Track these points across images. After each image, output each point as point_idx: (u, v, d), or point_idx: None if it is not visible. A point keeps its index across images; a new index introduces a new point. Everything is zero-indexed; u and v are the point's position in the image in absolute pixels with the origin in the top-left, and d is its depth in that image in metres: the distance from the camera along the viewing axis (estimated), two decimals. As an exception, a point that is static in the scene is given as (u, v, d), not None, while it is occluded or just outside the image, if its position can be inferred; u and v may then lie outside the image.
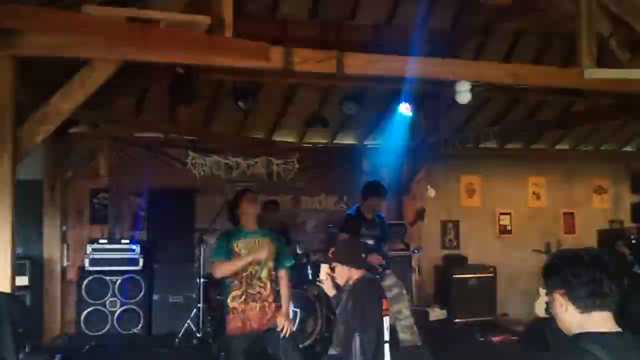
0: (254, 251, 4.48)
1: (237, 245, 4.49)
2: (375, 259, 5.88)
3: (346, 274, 3.48)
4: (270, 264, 4.60)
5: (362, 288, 3.45)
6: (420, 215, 6.48)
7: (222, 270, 4.43)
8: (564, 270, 2.02)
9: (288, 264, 4.77)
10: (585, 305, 1.98)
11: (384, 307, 3.25)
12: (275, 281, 4.63)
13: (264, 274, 4.52)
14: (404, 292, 6.12)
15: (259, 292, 4.48)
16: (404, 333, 5.90)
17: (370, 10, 6.63)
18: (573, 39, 5.19)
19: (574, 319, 1.99)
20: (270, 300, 4.51)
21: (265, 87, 7.28)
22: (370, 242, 6.03)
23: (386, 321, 3.23)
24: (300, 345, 5.53)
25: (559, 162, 9.73)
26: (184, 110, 7.49)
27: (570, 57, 6.78)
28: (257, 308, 4.45)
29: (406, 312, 5.96)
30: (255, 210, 4.65)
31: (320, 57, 4.42)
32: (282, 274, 4.68)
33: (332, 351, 6.11)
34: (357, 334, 3.28)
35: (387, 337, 3.21)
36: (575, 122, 8.17)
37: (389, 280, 6.04)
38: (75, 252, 7.57)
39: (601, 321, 1.97)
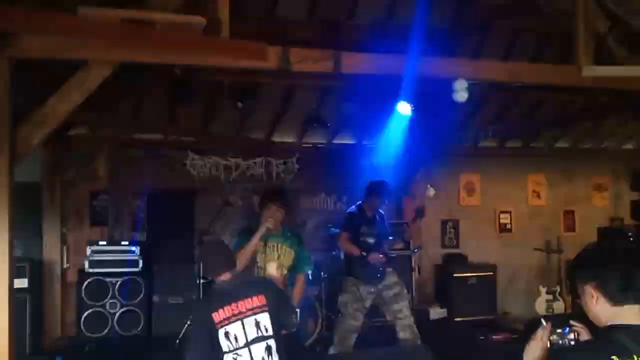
0: (270, 255, 4.52)
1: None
2: (376, 257, 5.89)
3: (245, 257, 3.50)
4: (284, 269, 4.62)
5: (198, 303, 3.48)
6: (419, 213, 6.48)
7: (240, 260, 4.39)
8: (596, 263, 2.04)
9: (307, 269, 4.80)
10: (617, 298, 1.99)
11: (217, 319, 3.21)
12: (286, 284, 4.64)
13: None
14: (404, 291, 6.12)
15: None
16: (403, 332, 5.91)
17: (368, 10, 6.62)
18: (571, 37, 5.19)
19: (605, 311, 2.01)
20: None
21: (264, 88, 7.27)
22: (371, 240, 6.03)
23: (229, 332, 3.23)
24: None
25: (558, 160, 9.72)
26: (182, 112, 7.49)
27: (569, 55, 6.77)
28: None
29: (406, 311, 5.96)
30: (282, 215, 4.67)
31: (317, 57, 4.42)
32: (301, 277, 4.73)
33: (332, 351, 6.13)
34: (185, 352, 3.31)
35: (227, 347, 3.21)
36: (574, 120, 8.17)
37: (389, 279, 6.04)
38: (75, 254, 7.56)
39: (632, 314, 1.98)
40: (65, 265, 7.49)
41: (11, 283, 3.85)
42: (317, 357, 6.48)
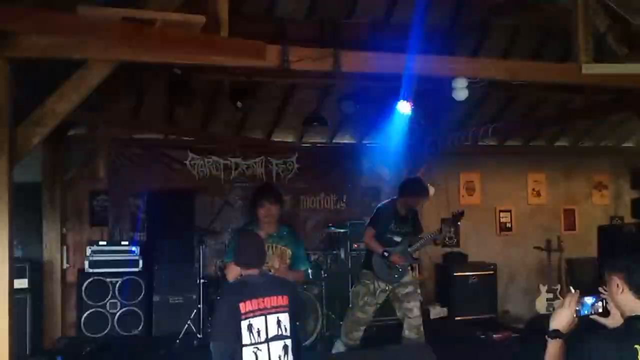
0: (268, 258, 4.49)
1: None
2: (397, 260, 5.85)
3: (237, 271, 3.53)
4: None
5: (226, 291, 3.49)
6: (458, 217, 6.41)
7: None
8: (625, 255, 2.13)
9: (303, 268, 4.76)
10: None
11: (243, 309, 3.27)
12: None
13: None
14: (417, 291, 6.06)
15: None
16: (409, 331, 5.87)
17: (367, 9, 6.62)
18: (571, 35, 5.18)
19: (629, 302, 2.09)
20: None
21: (264, 87, 7.27)
22: (397, 238, 5.97)
23: (252, 324, 3.27)
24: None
25: (558, 159, 9.72)
26: (182, 111, 7.48)
27: (568, 53, 6.77)
28: None
29: (416, 311, 5.92)
30: (278, 212, 4.54)
31: (316, 56, 4.41)
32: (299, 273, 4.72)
33: (337, 343, 6.12)
34: (210, 340, 3.39)
35: (249, 339, 3.26)
36: (574, 118, 8.16)
37: (406, 277, 6.00)
38: (75, 254, 7.56)
39: None
40: (65, 266, 7.48)
41: (11, 283, 3.85)
42: (317, 357, 6.47)
